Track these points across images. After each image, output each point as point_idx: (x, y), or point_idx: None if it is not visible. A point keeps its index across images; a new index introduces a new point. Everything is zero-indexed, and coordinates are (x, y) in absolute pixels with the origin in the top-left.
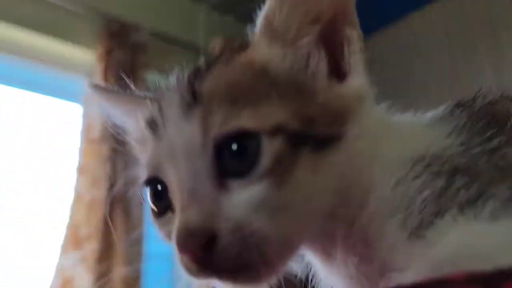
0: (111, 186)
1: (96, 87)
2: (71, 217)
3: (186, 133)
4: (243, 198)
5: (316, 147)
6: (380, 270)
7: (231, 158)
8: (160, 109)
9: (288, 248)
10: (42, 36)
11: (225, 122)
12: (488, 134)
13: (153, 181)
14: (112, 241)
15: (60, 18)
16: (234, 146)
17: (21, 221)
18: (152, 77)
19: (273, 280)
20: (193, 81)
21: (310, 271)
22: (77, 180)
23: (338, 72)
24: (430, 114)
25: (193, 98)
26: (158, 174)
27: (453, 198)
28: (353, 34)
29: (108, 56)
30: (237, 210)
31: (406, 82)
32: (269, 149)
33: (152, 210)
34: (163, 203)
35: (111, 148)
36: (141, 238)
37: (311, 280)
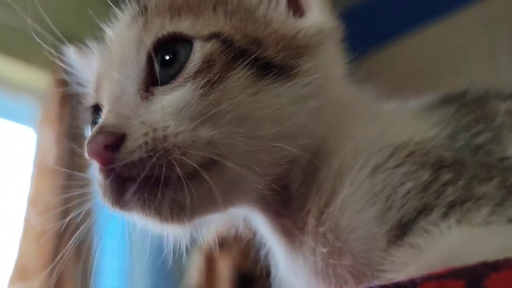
0: (63, 217)
1: (77, 51)
2: (19, 249)
3: (125, 41)
4: (164, 102)
5: (264, 70)
6: (352, 267)
7: (163, 66)
8: (114, 27)
9: (209, 171)
10: None
11: (163, 28)
12: (474, 130)
13: (95, 112)
14: (61, 275)
15: (13, 37)
16: (168, 55)
17: None
18: None
19: (187, 220)
20: None
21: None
22: (27, 210)
23: (298, 8)
24: (415, 103)
25: (143, 10)
26: (98, 98)
27: (439, 194)
28: None
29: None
30: (155, 114)
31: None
32: (200, 52)
33: None
34: None
35: (65, 177)
36: (91, 273)
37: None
